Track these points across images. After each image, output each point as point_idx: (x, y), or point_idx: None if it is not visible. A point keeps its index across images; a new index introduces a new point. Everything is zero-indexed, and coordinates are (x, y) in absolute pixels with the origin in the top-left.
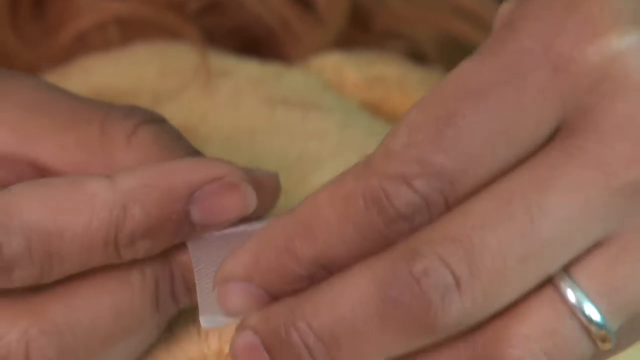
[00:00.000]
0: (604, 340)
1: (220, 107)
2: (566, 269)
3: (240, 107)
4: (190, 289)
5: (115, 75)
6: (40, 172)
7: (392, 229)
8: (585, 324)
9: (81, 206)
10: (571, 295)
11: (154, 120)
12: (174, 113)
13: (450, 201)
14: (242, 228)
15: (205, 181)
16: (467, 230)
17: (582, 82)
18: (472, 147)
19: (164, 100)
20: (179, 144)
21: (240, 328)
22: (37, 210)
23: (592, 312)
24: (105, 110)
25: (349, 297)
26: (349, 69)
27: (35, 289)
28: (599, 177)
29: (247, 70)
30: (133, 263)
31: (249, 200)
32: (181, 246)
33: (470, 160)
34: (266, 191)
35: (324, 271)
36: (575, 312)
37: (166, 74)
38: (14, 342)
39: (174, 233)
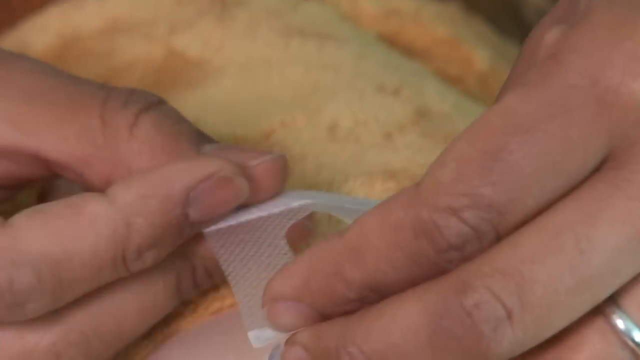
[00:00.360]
0: None
1: (236, 37)
2: (614, 299)
3: (256, 37)
4: (212, 274)
5: (130, 5)
6: (42, 164)
7: (443, 257)
8: (637, 351)
9: (85, 230)
10: (621, 324)
11: (153, 105)
12: (189, 43)
13: (500, 231)
14: (255, 211)
15: (199, 180)
16: (517, 264)
17: (628, 116)
18: (520, 181)
19: (179, 30)
20: (181, 130)
21: (290, 343)
22: (42, 240)
23: (635, 332)
24: (103, 96)
25: (400, 324)
26: (364, 1)
27: None
28: None
29: (263, 1)
30: (154, 266)
31: (243, 191)
32: (199, 238)
33: (518, 193)
34: (276, 174)
35: (374, 294)
36: (625, 341)
37: (182, 3)
38: (43, 355)
39: (177, 236)
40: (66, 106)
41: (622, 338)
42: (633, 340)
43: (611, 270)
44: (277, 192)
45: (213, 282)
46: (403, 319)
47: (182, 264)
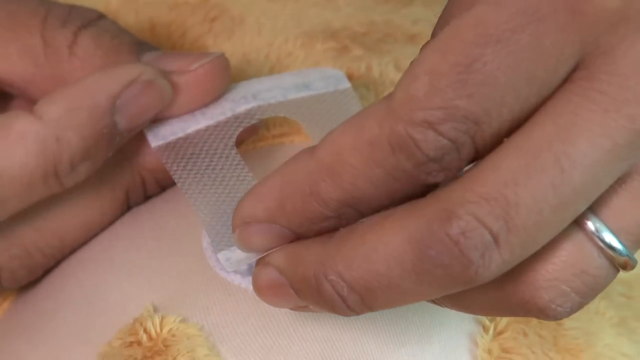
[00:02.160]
0: (625, 267)
1: None
2: (591, 208)
3: None
4: (163, 185)
5: None
6: None
7: (422, 170)
8: (612, 256)
9: (13, 148)
10: (591, 226)
11: (92, 21)
12: None
13: (477, 141)
14: (202, 119)
15: (123, 87)
16: (501, 188)
17: (599, 23)
18: (495, 91)
19: None
20: (121, 41)
21: (262, 263)
22: None
23: (612, 240)
24: (43, 14)
25: (383, 253)
26: None
27: None
28: (622, 120)
29: None
30: (102, 180)
31: (165, 91)
32: (147, 150)
33: (493, 103)
34: (218, 75)
35: (352, 210)
36: (601, 247)
37: None
38: None
39: (108, 147)
40: (7, 25)
41: (598, 244)
42: (603, 242)
43: (591, 184)
44: (222, 93)
45: (163, 190)
46: (386, 248)
47: (132, 178)
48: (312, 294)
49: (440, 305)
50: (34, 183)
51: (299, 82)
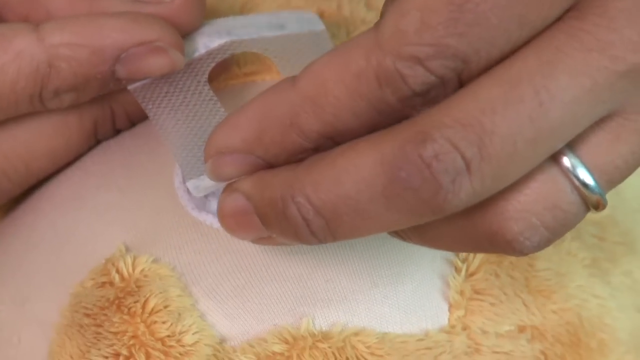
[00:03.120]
0: (597, 206)
1: None
2: (568, 144)
3: None
4: (133, 119)
5: None
6: None
7: (406, 103)
8: (584, 193)
9: (8, 64)
10: (567, 162)
11: None
12: None
13: (463, 78)
14: None
15: (134, 44)
16: (478, 114)
17: None
18: (486, 32)
19: None
20: None
21: (229, 190)
22: None
23: (586, 177)
24: None
25: (354, 175)
26: None
27: None
28: (605, 61)
29: None
30: (70, 108)
31: (176, 62)
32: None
33: (484, 44)
34: (193, 9)
35: (331, 142)
36: (574, 183)
37: None
38: None
39: (99, 88)
40: None
41: (572, 180)
42: (577, 179)
43: (569, 121)
44: (196, 27)
45: (133, 125)
46: (357, 170)
47: (101, 109)
48: (277, 219)
49: (406, 240)
50: (20, 101)
51: (274, 22)
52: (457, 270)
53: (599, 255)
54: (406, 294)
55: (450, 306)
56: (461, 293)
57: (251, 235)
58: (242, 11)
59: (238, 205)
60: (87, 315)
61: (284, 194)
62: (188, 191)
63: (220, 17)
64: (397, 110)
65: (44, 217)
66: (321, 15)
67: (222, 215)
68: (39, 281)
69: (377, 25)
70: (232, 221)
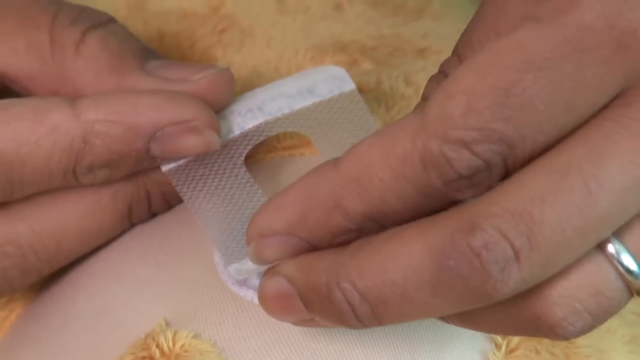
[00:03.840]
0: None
1: None
2: (615, 233)
3: None
4: (169, 200)
5: None
6: None
7: (451, 186)
8: (626, 277)
9: (43, 138)
10: (611, 248)
11: (102, 23)
12: None
13: (509, 163)
14: None
15: (169, 123)
16: (527, 204)
17: None
18: (532, 117)
19: None
20: (128, 46)
21: (271, 272)
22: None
23: (630, 263)
24: (53, 12)
25: (401, 262)
26: None
27: (4, 209)
28: None
29: None
30: (103, 188)
31: (211, 144)
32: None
33: (530, 129)
34: (221, 87)
35: (376, 224)
36: (619, 270)
37: None
38: None
39: (133, 165)
40: (17, 20)
41: (616, 266)
42: (622, 265)
43: (617, 210)
44: (224, 106)
45: (170, 206)
46: (404, 257)
47: (136, 190)
48: (321, 303)
49: (447, 322)
50: (53, 175)
51: (302, 87)
52: (497, 346)
53: (639, 332)
54: None
55: None
56: None
57: (293, 318)
58: None
59: (280, 289)
60: None
61: (329, 279)
62: (226, 264)
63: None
64: (442, 193)
65: (83, 291)
66: (360, 90)
67: (263, 298)
68: (78, 356)
69: (423, 107)
70: (274, 304)
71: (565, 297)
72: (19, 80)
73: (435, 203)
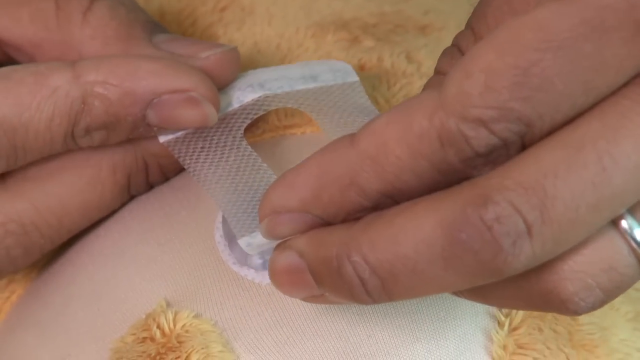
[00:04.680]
0: None
1: None
2: (629, 209)
3: None
4: (166, 173)
5: None
6: None
7: (468, 164)
8: (638, 252)
9: (44, 102)
10: (625, 224)
11: None
12: None
13: (526, 141)
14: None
15: (167, 91)
16: (540, 178)
17: None
18: (551, 97)
19: None
20: (136, 17)
21: (282, 247)
22: (1, 106)
23: None
24: None
25: (413, 235)
26: None
27: (4, 186)
28: None
29: None
30: (103, 160)
31: (209, 116)
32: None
33: (548, 109)
34: (228, 66)
35: (391, 201)
36: (633, 247)
37: None
38: None
39: (130, 130)
40: None
41: (629, 242)
42: (635, 240)
43: (631, 187)
44: (230, 82)
45: (167, 178)
46: (415, 230)
47: (134, 162)
48: (331, 277)
49: (458, 295)
50: (55, 140)
51: (307, 74)
52: (500, 324)
53: None
54: (449, 349)
55: None
56: (504, 348)
57: (303, 293)
58: (281, 64)
59: (291, 263)
60: None
61: (340, 252)
62: (229, 246)
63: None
64: (458, 170)
65: (83, 271)
66: (361, 68)
67: (274, 272)
68: (79, 337)
69: (441, 85)
70: (284, 278)
71: (578, 272)
72: (23, 48)
73: (451, 180)
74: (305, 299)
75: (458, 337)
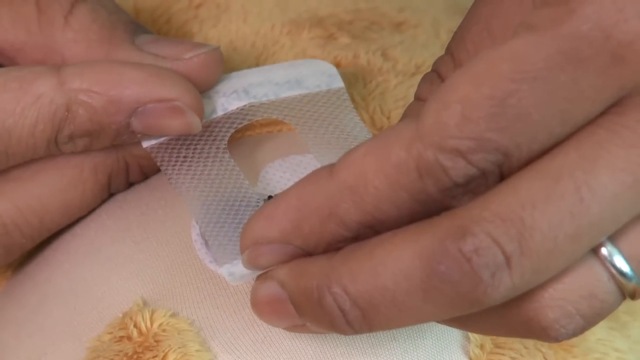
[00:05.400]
0: (633, 294)
1: None
2: (609, 236)
3: None
4: (146, 173)
5: None
6: None
7: (447, 194)
8: (619, 280)
9: (28, 108)
10: (605, 251)
11: None
12: None
13: (505, 170)
14: None
15: (152, 100)
16: (518, 209)
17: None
18: (528, 127)
19: None
20: (118, 19)
21: (264, 277)
22: None
23: (623, 265)
24: None
25: (392, 267)
26: None
27: None
28: None
29: None
30: (85, 160)
31: (193, 125)
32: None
33: (525, 138)
34: (211, 67)
35: (371, 231)
36: (612, 272)
37: None
38: None
39: (113, 137)
40: None
41: (609, 269)
42: (615, 267)
43: (609, 217)
44: (213, 85)
45: (146, 177)
46: (395, 262)
47: (116, 163)
48: (312, 308)
49: (440, 323)
50: (37, 146)
51: (291, 77)
52: None
53: (619, 308)
54: (426, 348)
55: None
56: (482, 347)
57: (285, 323)
58: (257, 63)
59: (273, 293)
60: None
61: (320, 283)
62: (205, 244)
63: (235, 70)
64: (437, 200)
65: (59, 269)
66: (337, 65)
67: (255, 302)
68: (55, 335)
69: (418, 115)
70: (266, 308)
71: (558, 299)
72: (4, 51)
73: (430, 210)
74: (287, 329)
75: (435, 336)
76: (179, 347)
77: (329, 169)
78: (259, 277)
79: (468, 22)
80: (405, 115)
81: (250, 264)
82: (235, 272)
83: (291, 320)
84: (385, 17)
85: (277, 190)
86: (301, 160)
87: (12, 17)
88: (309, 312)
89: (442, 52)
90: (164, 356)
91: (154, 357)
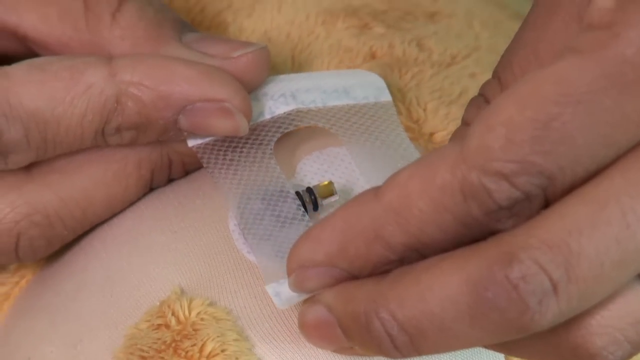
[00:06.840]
0: None
1: None
2: None
3: None
4: (188, 170)
5: None
6: (21, 41)
7: (492, 217)
8: None
9: (78, 98)
10: None
11: None
12: None
13: (549, 194)
14: None
15: (201, 99)
16: (565, 236)
17: None
18: (572, 151)
19: None
20: (165, 17)
21: (312, 302)
22: (36, 99)
23: None
24: None
25: (439, 293)
26: None
27: (31, 177)
28: None
29: None
30: (129, 155)
31: (240, 127)
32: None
33: (569, 162)
34: (259, 66)
35: (416, 254)
36: None
37: None
38: (4, 233)
39: (160, 133)
40: None
41: None
42: None
43: None
44: (260, 85)
45: (186, 174)
46: (442, 288)
47: (159, 159)
48: (360, 332)
49: (487, 348)
50: (85, 136)
51: (339, 86)
52: None
53: None
54: None
55: None
56: None
57: (333, 346)
58: (292, 55)
59: (320, 317)
60: (143, 358)
61: (368, 308)
62: (243, 234)
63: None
64: (482, 223)
65: (97, 258)
66: (373, 55)
67: (303, 326)
68: (92, 323)
69: (463, 137)
70: (314, 332)
71: (605, 326)
72: (50, 46)
73: (475, 233)
74: (335, 351)
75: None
76: (218, 336)
77: (375, 191)
78: (306, 301)
79: (515, 46)
80: (451, 139)
81: (297, 287)
82: (282, 292)
83: (339, 344)
84: (419, 7)
85: (315, 182)
86: (338, 152)
87: (59, 13)
88: (357, 337)
89: (476, 43)
90: (203, 345)
91: (192, 345)
